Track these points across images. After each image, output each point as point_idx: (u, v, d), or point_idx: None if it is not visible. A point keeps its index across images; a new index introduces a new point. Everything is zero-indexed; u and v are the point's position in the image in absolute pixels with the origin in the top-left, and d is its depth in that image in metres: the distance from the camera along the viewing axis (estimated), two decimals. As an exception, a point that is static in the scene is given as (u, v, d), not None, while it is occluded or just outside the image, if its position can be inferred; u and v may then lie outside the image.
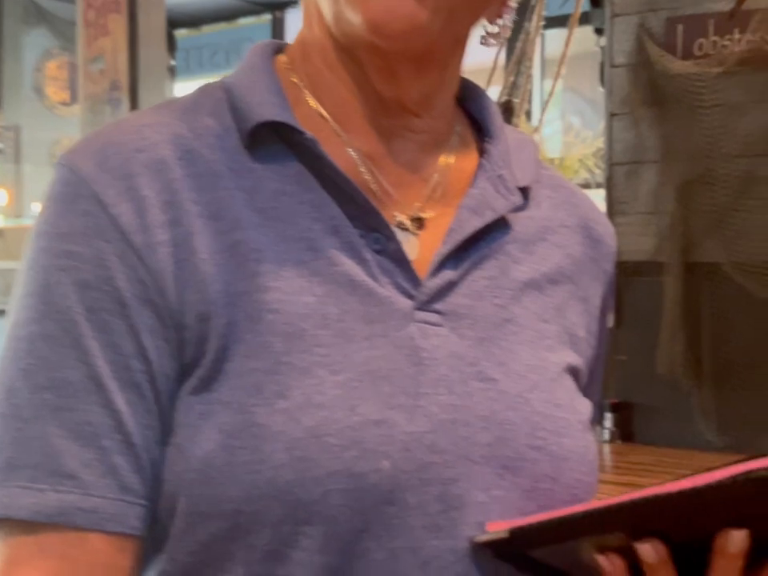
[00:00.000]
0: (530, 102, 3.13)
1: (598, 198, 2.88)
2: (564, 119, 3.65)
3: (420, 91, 0.64)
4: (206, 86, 0.66)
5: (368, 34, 0.60)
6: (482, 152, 0.69)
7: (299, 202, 0.62)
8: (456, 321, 0.62)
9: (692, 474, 0.54)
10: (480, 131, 0.69)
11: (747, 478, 0.49)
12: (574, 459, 0.62)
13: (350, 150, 0.63)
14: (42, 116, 6.06)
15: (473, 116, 0.70)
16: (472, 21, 0.65)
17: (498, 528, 0.57)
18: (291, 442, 0.56)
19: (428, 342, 0.61)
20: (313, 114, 0.64)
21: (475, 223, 0.64)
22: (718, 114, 2.37)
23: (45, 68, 6.07)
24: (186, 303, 0.59)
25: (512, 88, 2.72)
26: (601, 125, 2.80)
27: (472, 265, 0.64)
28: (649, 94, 2.53)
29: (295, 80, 0.65)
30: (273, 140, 0.63)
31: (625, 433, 2.60)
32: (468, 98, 0.71)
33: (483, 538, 0.57)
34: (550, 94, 2.80)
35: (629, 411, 2.62)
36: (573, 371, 0.66)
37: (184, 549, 0.59)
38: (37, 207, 6.18)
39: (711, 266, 2.44)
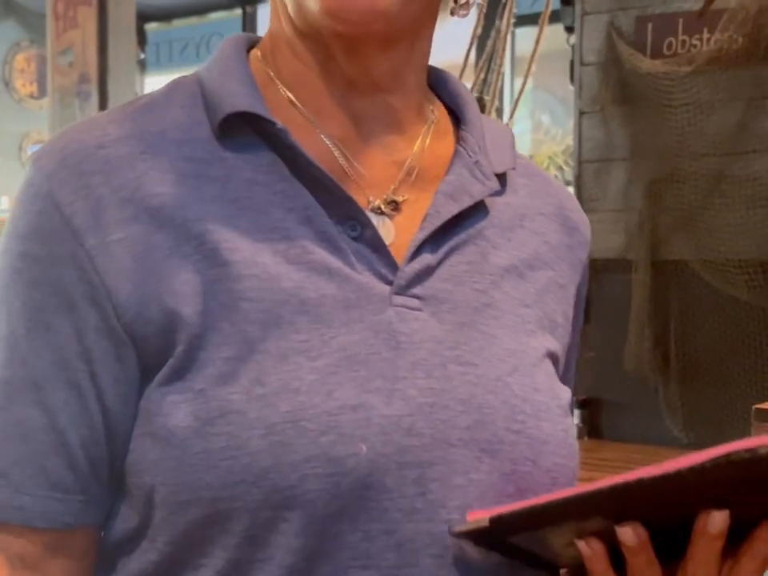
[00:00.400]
0: (500, 99, 3.14)
1: (567, 195, 2.89)
2: (534, 117, 3.67)
3: (388, 66, 0.64)
4: (180, 78, 0.66)
5: (328, 21, 0.60)
6: (458, 138, 0.68)
7: (272, 192, 0.61)
8: (435, 305, 0.62)
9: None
10: (456, 119, 0.69)
11: (728, 460, 0.49)
12: (553, 443, 0.62)
13: (323, 136, 0.63)
14: (11, 109, 5.99)
15: (448, 105, 0.70)
16: None
17: (477, 517, 0.57)
18: (268, 427, 0.56)
19: (406, 326, 0.61)
20: (285, 103, 0.64)
21: (452, 208, 0.64)
22: (687, 113, 2.39)
23: (13, 61, 6.00)
24: (147, 298, 0.58)
25: (483, 85, 2.73)
26: (570, 123, 2.81)
27: (450, 250, 0.64)
28: (618, 92, 2.55)
29: (267, 71, 0.65)
30: (244, 131, 0.63)
31: (593, 429, 2.62)
32: (441, 86, 0.71)
33: (463, 527, 0.57)
34: (521, 92, 2.81)
35: (597, 408, 2.64)
36: (552, 357, 0.67)
37: (164, 537, 0.59)
38: (5, 201, 6.10)
39: (679, 264, 2.47)
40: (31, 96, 6.05)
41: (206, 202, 0.60)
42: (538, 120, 3.14)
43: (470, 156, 0.66)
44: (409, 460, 0.58)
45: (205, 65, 0.66)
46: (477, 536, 0.57)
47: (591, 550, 0.55)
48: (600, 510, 0.54)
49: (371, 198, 0.63)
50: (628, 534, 0.54)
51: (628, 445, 2.53)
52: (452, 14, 0.68)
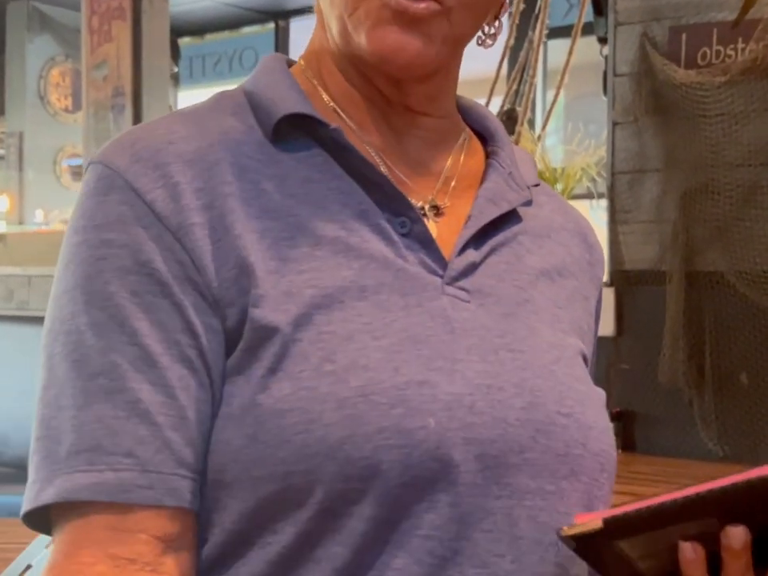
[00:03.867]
0: (533, 111, 3.13)
1: (600, 207, 2.88)
2: (566, 129, 3.66)
3: (425, 94, 0.68)
4: (224, 91, 0.69)
5: (375, 60, 0.63)
6: (487, 155, 0.72)
7: (327, 188, 0.64)
8: (481, 298, 0.65)
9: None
10: (483, 140, 0.73)
11: None
12: (598, 429, 0.65)
13: (365, 144, 0.66)
14: (45, 123, 6.07)
15: (473, 128, 0.74)
16: (474, 34, 0.68)
17: (586, 520, 0.57)
18: (340, 401, 0.58)
19: (459, 314, 0.63)
20: (330, 112, 0.67)
21: (493, 211, 0.68)
22: (721, 123, 2.37)
23: (48, 75, 6.08)
24: (226, 280, 0.60)
25: (515, 96, 2.73)
26: (603, 134, 2.80)
27: (491, 250, 0.67)
28: (652, 102, 2.53)
29: (312, 81, 0.68)
30: (296, 134, 0.65)
31: (626, 442, 2.59)
32: (466, 111, 0.75)
33: (575, 530, 0.57)
34: (553, 103, 2.81)
35: (630, 420, 2.61)
36: (584, 358, 0.69)
37: (233, 516, 0.60)
38: (39, 214, 6.17)
39: (713, 275, 2.44)
40: (66, 110, 6.12)
41: (266, 196, 0.63)
42: (570, 131, 3.13)
43: (502, 168, 0.71)
44: (472, 436, 0.60)
45: (249, 79, 0.69)
46: (584, 538, 0.57)
47: (694, 553, 0.56)
48: (715, 511, 0.54)
49: (414, 202, 0.66)
50: (739, 533, 0.54)
51: (662, 458, 2.50)
52: (479, 44, 0.71)
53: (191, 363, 0.60)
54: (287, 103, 0.65)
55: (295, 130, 0.65)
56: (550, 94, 3.16)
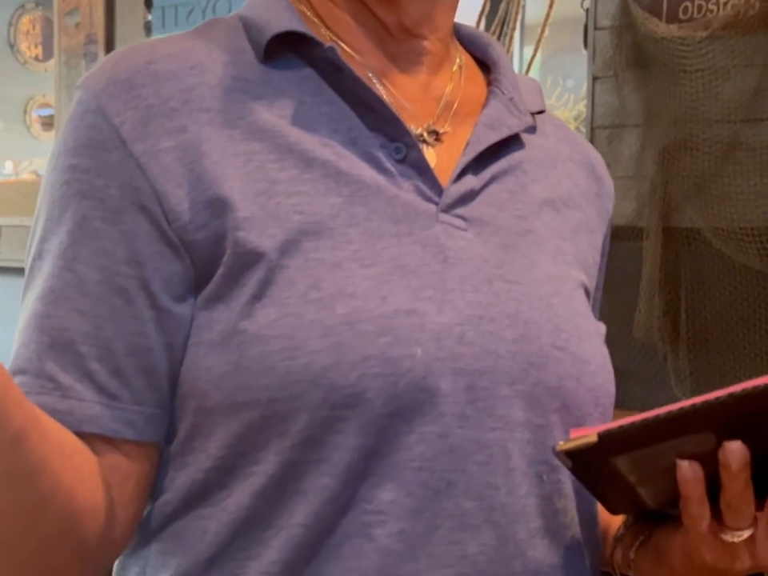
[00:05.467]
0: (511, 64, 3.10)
1: (578, 162, 2.87)
2: (545, 83, 3.63)
3: (420, 12, 0.66)
4: (218, 17, 0.68)
5: None
6: (489, 82, 0.72)
7: (318, 113, 0.64)
8: (479, 227, 0.64)
9: None
10: (484, 68, 0.73)
11: None
12: (594, 363, 0.65)
13: (363, 67, 0.66)
14: (15, 72, 5.96)
15: (473, 54, 0.73)
16: None
17: (581, 434, 0.57)
18: (325, 328, 0.57)
19: (453, 243, 0.62)
20: (325, 37, 0.66)
21: (493, 137, 0.66)
22: (702, 79, 2.36)
23: (18, 23, 5.96)
24: (197, 203, 0.59)
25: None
26: (582, 89, 2.78)
27: (492, 177, 0.66)
28: (632, 57, 2.52)
29: (306, 12, 0.67)
30: (289, 55, 0.64)
31: (601, 397, 2.61)
32: (469, 39, 0.74)
33: (569, 444, 0.58)
34: (532, 57, 2.78)
35: (606, 375, 2.63)
36: (586, 291, 0.69)
37: (217, 443, 0.60)
38: (9, 165, 6.09)
39: (691, 232, 2.45)
40: (36, 59, 6.01)
41: (254, 117, 0.62)
42: (549, 86, 3.11)
43: (503, 94, 0.69)
44: (461, 367, 0.59)
45: (244, 5, 0.68)
46: (580, 455, 0.57)
47: (692, 471, 0.56)
48: (711, 423, 0.54)
49: (412, 127, 0.65)
50: (737, 448, 0.54)
51: (636, 412, 2.52)
52: None
53: (128, 294, 0.59)
54: (281, 22, 0.63)
55: (288, 51, 0.64)
56: (528, 51, 3.13)
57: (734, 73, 2.30)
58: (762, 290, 2.33)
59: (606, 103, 2.62)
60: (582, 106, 2.79)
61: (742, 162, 2.30)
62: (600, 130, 2.64)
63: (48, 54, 5.59)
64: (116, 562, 0.67)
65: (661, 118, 2.45)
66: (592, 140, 2.67)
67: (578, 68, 2.91)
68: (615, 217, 2.94)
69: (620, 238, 2.83)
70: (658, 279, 2.46)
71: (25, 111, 6.06)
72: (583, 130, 2.74)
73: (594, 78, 2.65)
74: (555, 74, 3.52)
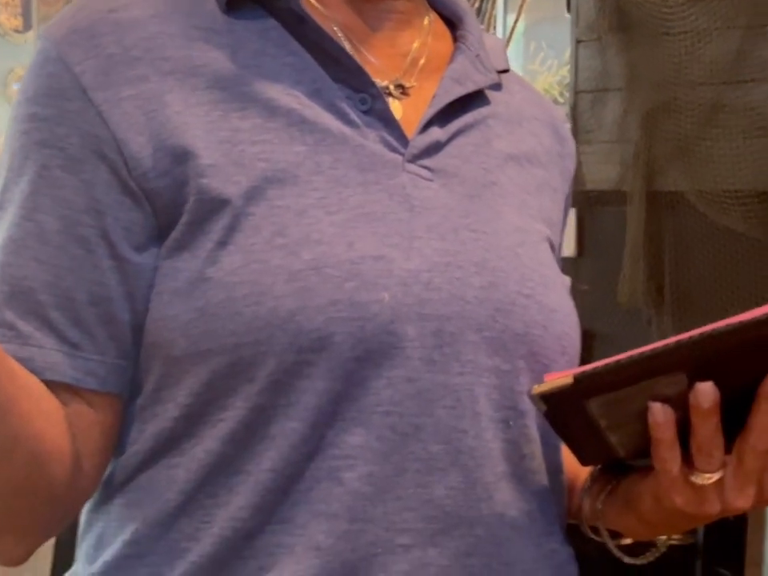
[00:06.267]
0: (494, 30, 3.09)
1: (562, 127, 2.86)
2: (529, 47, 3.62)
3: None
4: None
5: None
6: (456, 39, 0.72)
7: (281, 63, 0.64)
8: (445, 178, 0.64)
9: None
10: (452, 27, 0.73)
11: None
12: (561, 312, 0.66)
13: (329, 20, 0.65)
14: (-5, 43, 5.90)
15: (441, 13, 0.73)
16: None
17: (555, 377, 0.58)
18: (292, 274, 0.57)
19: (419, 193, 0.62)
20: None
21: (459, 90, 0.66)
22: (685, 41, 2.35)
23: (-3, -7, 5.89)
24: (159, 151, 0.59)
25: (477, 14, 2.68)
26: (566, 53, 2.76)
27: (458, 131, 0.66)
28: (615, 20, 2.50)
29: None
30: (252, 5, 0.64)
31: (586, 361, 2.62)
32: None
33: (544, 387, 0.58)
34: (516, 20, 2.77)
35: (590, 340, 2.64)
36: (551, 246, 0.70)
37: (185, 392, 0.60)
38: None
39: (674, 195, 2.45)
40: (16, 30, 5.94)
41: (218, 65, 0.62)
42: (533, 51, 3.10)
43: (470, 50, 0.69)
44: (428, 312, 0.59)
45: None
46: (555, 398, 0.57)
47: (664, 415, 0.56)
48: (684, 362, 0.54)
49: (378, 80, 0.66)
50: (708, 388, 0.55)
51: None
52: None
53: (88, 244, 0.59)
54: None
55: (251, 2, 0.64)
56: (511, 18, 3.13)
57: (716, 35, 2.29)
58: (745, 252, 2.34)
59: (590, 67, 2.61)
60: (565, 72, 2.78)
61: (725, 125, 2.30)
62: (583, 95, 2.63)
63: (28, 25, 5.52)
64: (82, 519, 0.67)
65: (644, 81, 2.44)
66: (575, 105, 2.66)
67: (561, 35, 2.90)
68: (599, 181, 2.94)
69: (604, 202, 2.84)
70: (642, 243, 2.46)
71: (5, 84, 6.00)
72: (567, 95, 2.73)
73: (578, 42, 2.64)
74: (539, 39, 3.50)
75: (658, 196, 2.46)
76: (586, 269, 2.55)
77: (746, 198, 2.26)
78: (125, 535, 0.62)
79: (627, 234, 2.50)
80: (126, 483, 0.63)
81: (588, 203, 2.63)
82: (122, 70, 0.60)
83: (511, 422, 0.61)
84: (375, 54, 0.66)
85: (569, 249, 2.54)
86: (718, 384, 0.54)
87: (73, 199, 0.59)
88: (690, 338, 0.53)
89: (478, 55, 0.69)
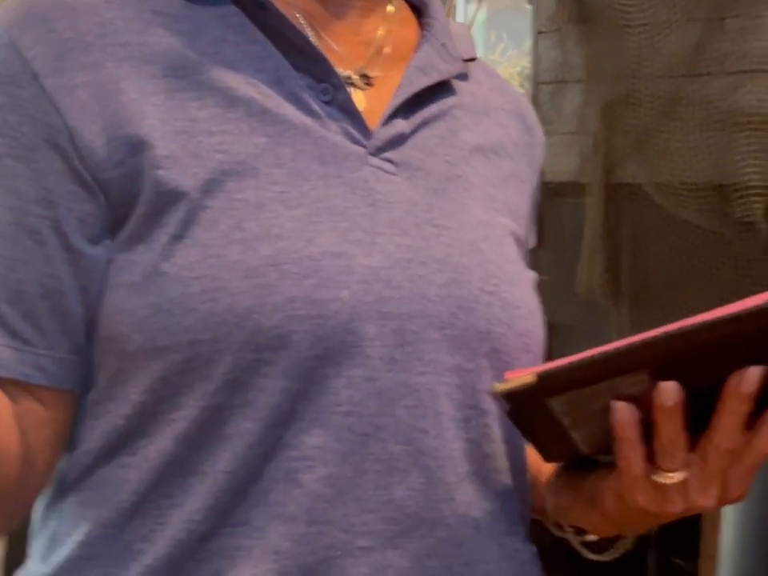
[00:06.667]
0: (454, 17, 3.09)
1: (522, 118, 2.87)
2: (489, 38, 3.62)
3: None
4: None
5: None
6: (422, 27, 0.71)
7: (241, 51, 0.63)
8: (409, 171, 0.63)
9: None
10: (419, 13, 0.73)
11: None
12: (525, 309, 0.66)
13: (291, 7, 0.64)
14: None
15: (408, 0, 0.73)
16: None
17: (518, 375, 0.57)
18: (249, 269, 0.56)
19: (382, 187, 0.61)
20: None
21: (424, 81, 0.65)
22: (644, 34, 2.36)
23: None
24: (113, 140, 0.57)
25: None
26: (527, 43, 2.77)
27: (422, 122, 0.65)
28: (576, 11, 2.51)
29: None
30: None
31: (545, 352, 2.64)
32: None
33: (506, 385, 0.57)
34: (477, 10, 2.77)
35: (548, 331, 2.65)
36: (517, 240, 0.70)
37: (139, 388, 0.58)
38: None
39: (632, 187, 2.47)
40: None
41: (176, 52, 0.61)
42: (494, 41, 3.10)
43: (436, 39, 0.68)
44: (389, 310, 0.58)
45: None
46: (516, 396, 0.57)
47: (627, 413, 0.56)
48: (647, 362, 0.54)
49: (341, 70, 0.64)
50: (671, 387, 0.54)
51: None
52: None
53: (39, 235, 0.57)
54: None
55: None
56: (471, 8, 3.13)
57: (675, 27, 2.30)
58: (702, 244, 2.36)
59: (550, 58, 2.61)
60: (525, 62, 2.78)
61: (683, 118, 2.31)
62: (543, 86, 2.64)
63: None
64: (36, 516, 0.66)
65: (604, 73, 2.45)
66: (536, 96, 2.67)
67: (521, 26, 2.91)
68: (558, 173, 2.96)
69: (562, 194, 2.85)
70: (600, 235, 2.48)
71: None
72: (527, 86, 2.73)
73: (538, 33, 2.64)
74: (499, 30, 3.50)
75: (616, 188, 2.48)
76: (545, 260, 2.55)
77: (702, 191, 2.28)
78: (78, 535, 0.61)
79: (586, 225, 2.51)
80: (78, 481, 0.61)
81: (547, 194, 2.64)
82: (75, 55, 0.58)
83: (473, 422, 0.60)
84: (338, 42, 0.65)
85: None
86: (682, 383, 0.54)
87: (24, 189, 0.58)
88: (654, 336, 0.53)
89: (443, 44, 0.68)
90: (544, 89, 2.64)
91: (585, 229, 2.51)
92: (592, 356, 0.55)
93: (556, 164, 2.64)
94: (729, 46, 2.21)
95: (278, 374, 0.56)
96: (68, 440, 0.62)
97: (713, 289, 2.39)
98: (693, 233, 2.34)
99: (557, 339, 2.89)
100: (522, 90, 2.89)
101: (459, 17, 4.20)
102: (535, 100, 2.66)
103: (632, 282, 2.49)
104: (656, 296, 2.47)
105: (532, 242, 0.75)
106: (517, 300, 0.64)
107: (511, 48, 2.89)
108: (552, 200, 2.70)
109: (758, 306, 0.50)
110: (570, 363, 0.55)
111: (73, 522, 0.61)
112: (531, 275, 0.70)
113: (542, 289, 2.82)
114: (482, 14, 2.99)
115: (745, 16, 2.18)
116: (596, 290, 2.51)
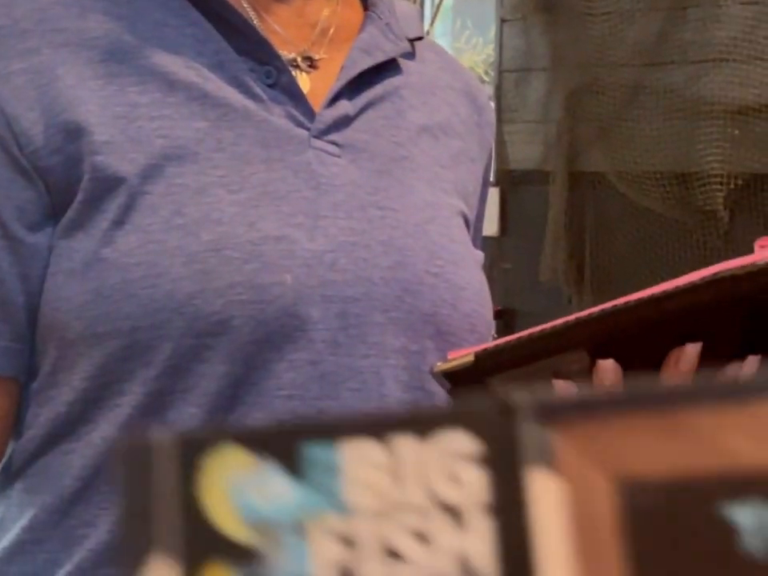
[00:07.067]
0: (421, 6, 3.08)
1: (487, 105, 2.87)
2: (454, 25, 3.62)
3: None
4: None
5: None
6: (366, 7, 0.69)
7: (182, 35, 0.62)
8: (354, 153, 0.62)
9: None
10: None
11: (713, 279, 0.50)
12: (470, 290, 0.65)
13: None
14: None
15: None
16: None
17: (459, 355, 0.57)
18: (190, 255, 0.55)
19: (326, 170, 0.61)
20: None
21: (367, 61, 0.65)
22: (608, 22, 2.37)
23: None
24: (51, 127, 0.57)
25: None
26: (491, 31, 2.76)
27: (368, 103, 0.64)
28: (540, 0, 2.51)
29: None
30: None
31: (508, 340, 2.65)
32: None
33: (445, 365, 0.57)
34: (441, 1, 2.76)
35: (512, 318, 2.66)
36: (465, 220, 0.69)
37: (81, 375, 0.58)
38: None
39: (596, 176, 2.48)
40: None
41: (115, 36, 0.60)
42: (459, 28, 3.09)
43: (380, 18, 0.67)
44: (332, 294, 0.58)
45: None
46: (457, 376, 0.57)
47: (566, 393, 0.56)
48: (584, 339, 0.54)
49: (285, 53, 0.63)
50: (609, 366, 0.55)
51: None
52: None
53: None
54: None
55: None
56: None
57: (639, 16, 2.31)
58: (663, 232, 2.38)
59: (514, 47, 2.62)
60: (490, 50, 2.78)
61: (646, 106, 2.33)
62: (508, 74, 2.64)
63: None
64: None
65: (568, 61, 2.46)
66: (500, 84, 2.67)
67: (486, 14, 2.90)
68: (522, 161, 2.96)
69: (526, 182, 2.86)
70: (564, 223, 2.49)
71: None
72: (492, 74, 2.73)
73: (503, 21, 2.64)
74: (465, 17, 3.50)
75: (579, 176, 2.49)
76: (509, 248, 2.57)
77: (664, 180, 2.30)
78: (23, 521, 0.61)
79: (549, 213, 2.52)
80: (24, 468, 0.61)
81: (511, 182, 2.65)
82: (11, 42, 0.57)
83: (420, 403, 0.60)
84: (282, 24, 0.64)
85: (492, 228, 2.56)
86: (620, 362, 0.54)
87: None
88: (590, 315, 0.53)
89: (388, 23, 0.67)
90: (508, 77, 2.64)
91: (548, 217, 2.52)
92: (530, 335, 0.55)
93: (520, 152, 2.65)
94: (691, 35, 2.23)
95: (219, 359, 0.56)
96: (14, 428, 0.61)
97: (674, 276, 2.41)
98: (655, 221, 2.36)
99: (521, 326, 2.89)
100: (486, 79, 2.89)
101: (427, 3, 4.19)
102: (499, 88, 2.67)
103: (594, 270, 2.51)
104: (618, 283, 2.49)
105: (482, 220, 0.76)
106: (462, 281, 0.64)
107: (476, 36, 2.89)
108: (516, 188, 2.71)
109: (688, 283, 0.51)
110: (508, 342, 0.56)
111: (19, 508, 0.61)
112: (479, 256, 0.70)
113: (506, 276, 2.82)
114: (448, 1, 2.98)
115: (706, 5, 2.19)
116: (559, 277, 2.52)
